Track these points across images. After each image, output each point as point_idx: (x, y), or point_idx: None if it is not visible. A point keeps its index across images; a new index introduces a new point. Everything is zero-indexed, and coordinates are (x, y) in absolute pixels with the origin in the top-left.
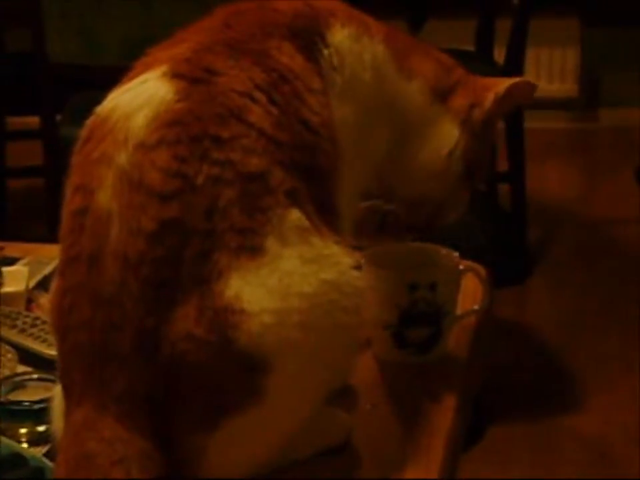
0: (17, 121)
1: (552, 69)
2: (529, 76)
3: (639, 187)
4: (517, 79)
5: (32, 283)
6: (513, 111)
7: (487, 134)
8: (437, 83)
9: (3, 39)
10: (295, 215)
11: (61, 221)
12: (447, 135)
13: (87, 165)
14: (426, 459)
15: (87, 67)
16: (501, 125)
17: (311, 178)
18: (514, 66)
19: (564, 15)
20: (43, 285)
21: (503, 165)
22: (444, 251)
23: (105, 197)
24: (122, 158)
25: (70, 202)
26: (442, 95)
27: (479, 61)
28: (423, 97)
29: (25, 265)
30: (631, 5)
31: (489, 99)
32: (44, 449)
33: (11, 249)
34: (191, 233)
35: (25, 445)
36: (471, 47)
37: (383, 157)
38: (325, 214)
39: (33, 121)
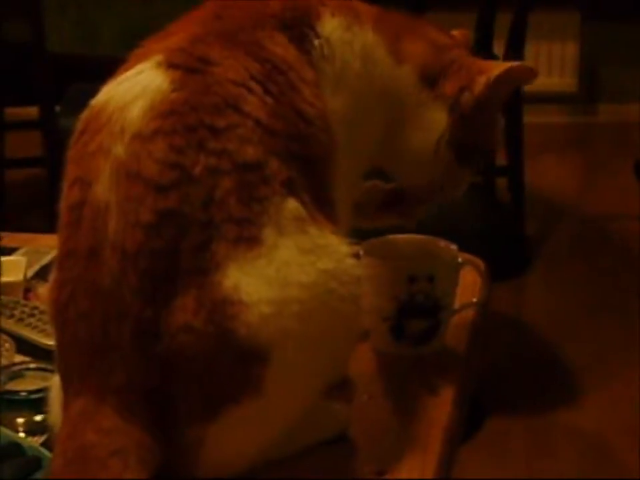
0: (16, 112)
1: (551, 63)
2: None
3: (638, 181)
4: (512, 64)
5: (30, 273)
6: (512, 96)
7: (482, 117)
8: (428, 65)
9: (2, 29)
10: (292, 205)
11: (59, 214)
12: (436, 121)
13: (83, 158)
14: (423, 451)
15: (86, 57)
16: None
17: (307, 168)
18: (513, 59)
19: (564, 8)
20: (41, 274)
21: (501, 159)
22: (443, 243)
23: (103, 189)
24: (119, 149)
25: (67, 195)
26: (432, 78)
27: (479, 54)
28: (413, 81)
29: (23, 254)
30: (631, 0)
31: (480, 83)
32: (41, 439)
33: (10, 239)
34: (188, 224)
35: (22, 435)
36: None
37: (378, 143)
38: (321, 204)
39: (32, 111)
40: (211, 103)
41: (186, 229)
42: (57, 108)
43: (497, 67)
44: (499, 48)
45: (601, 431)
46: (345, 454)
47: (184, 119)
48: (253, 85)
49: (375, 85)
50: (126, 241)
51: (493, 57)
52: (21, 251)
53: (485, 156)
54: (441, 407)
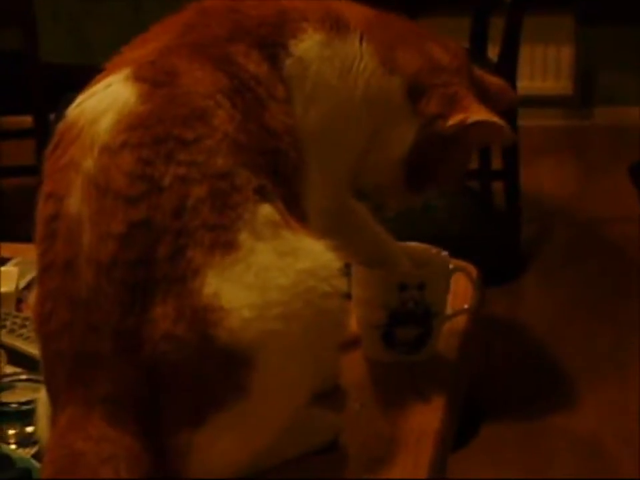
0: (10, 120)
1: (546, 67)
2: (523, 73)
3: (633, 185)
4: (496, 119)
5: (22, 283)
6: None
7: (445, 152)
8: (418, 79)
9: None
10: (267, 210)
11: (35, 228)
12: (405, 137)
13: (56, 172)
14: (414, 459)
15: (79, 66)
16: None
17: (276, 180)
18: (508, 63)
19: (558, 12)
20: (33, 285)
21: (497, 163)
22: (434, 250)
23: (75, 203)
24: (88, 163)
25: (42, 209)
26: (418, 94)
27: (473, 58)
28: (401, 93)
29: (15, 264)
30: (626, 3)
31: (456, 119)
32: (32, 450)
33: (2, 249)
34: (160, 233)
35: (13, 447)
36: (465, 44)
37: (363, 150)
38: (292, 212)
39: (26, 120)
40: (179, 114)
41: (158, 238)
42: (51, 116)
43: (480, 113)
44: (493, 52)
45: (597, 435)
46: (336, 461)
47: (151, 131)
48: (220, 98)
49: (359, 96)
50: (100, 252)
51: (487, 61)
52: (13, 262)
53: (438, 187)
54: (433, 414)
